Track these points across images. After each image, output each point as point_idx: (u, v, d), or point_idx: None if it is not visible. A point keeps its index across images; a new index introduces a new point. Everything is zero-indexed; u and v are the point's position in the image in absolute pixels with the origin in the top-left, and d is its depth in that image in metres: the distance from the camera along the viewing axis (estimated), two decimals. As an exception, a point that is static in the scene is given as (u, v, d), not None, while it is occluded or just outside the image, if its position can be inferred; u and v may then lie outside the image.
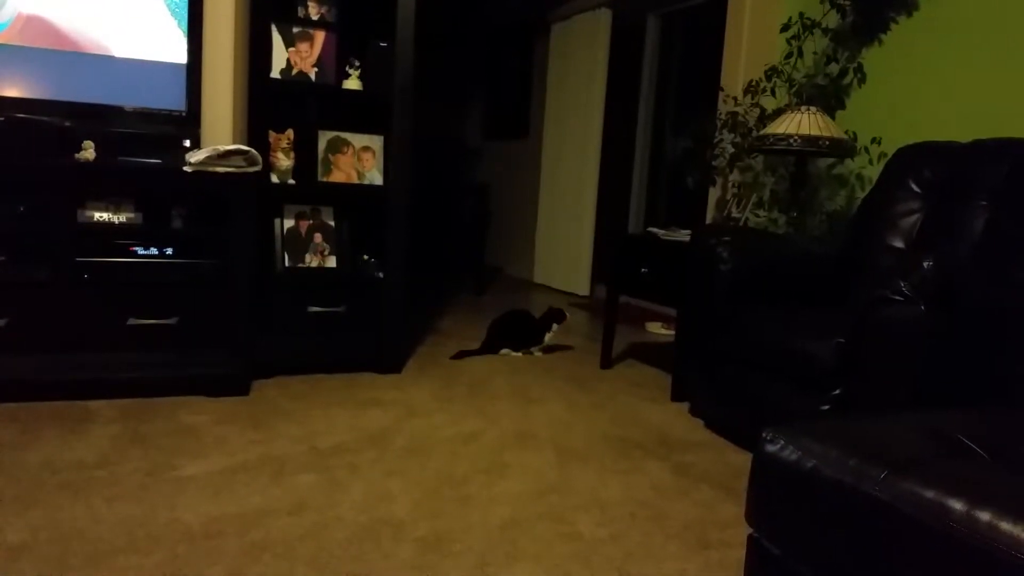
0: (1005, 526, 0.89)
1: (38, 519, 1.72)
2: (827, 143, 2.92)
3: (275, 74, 3.00)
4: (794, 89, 3.49)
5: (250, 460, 2.14)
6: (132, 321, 2.60)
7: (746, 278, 2.65)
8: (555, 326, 3.65)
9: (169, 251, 2.65)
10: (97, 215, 2.61)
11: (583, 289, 5.69)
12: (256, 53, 3.01)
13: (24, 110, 2.59)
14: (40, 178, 2.54)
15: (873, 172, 3.16)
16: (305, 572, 1.57)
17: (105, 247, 2.58)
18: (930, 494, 0.99)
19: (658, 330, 4.46)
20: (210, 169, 2.63)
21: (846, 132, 3.16)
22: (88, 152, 2.60)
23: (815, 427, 1.22)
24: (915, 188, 2.64)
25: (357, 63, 3.10)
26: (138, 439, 2.24)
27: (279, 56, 2.99)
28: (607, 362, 3.50)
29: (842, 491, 1.09)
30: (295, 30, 3.01)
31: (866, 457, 1.10)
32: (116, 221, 2.63)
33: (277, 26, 2.98)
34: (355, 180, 3.16)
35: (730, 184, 3.81)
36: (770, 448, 1.22)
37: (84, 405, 2.51)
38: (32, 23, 2.59)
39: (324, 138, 3.12)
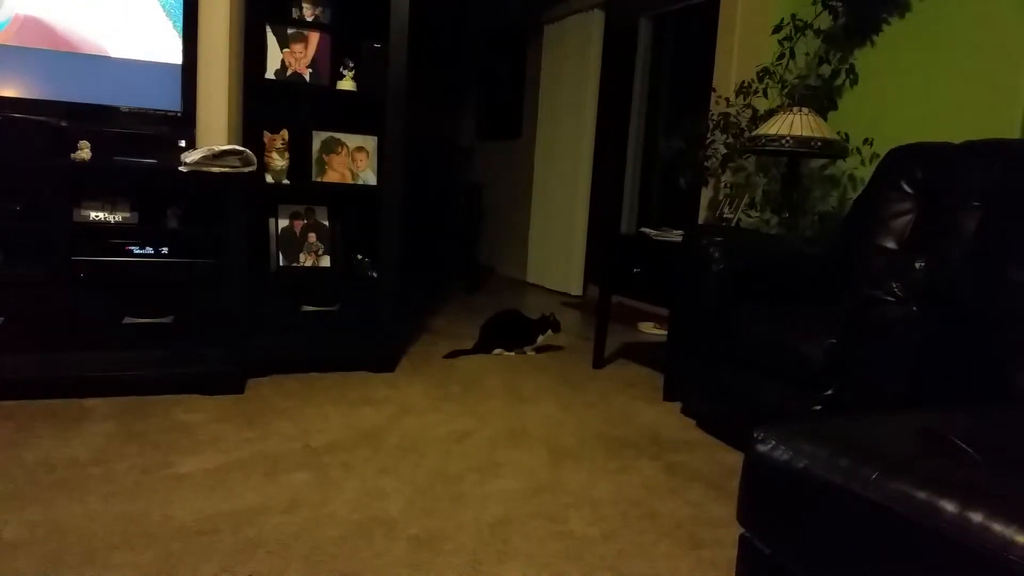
0: (996, 527, 0.89)
1: (34, 516, 1.70)
2: (819, 144, 2.92)
3: (270, 75, 2.98)
4: (786, 90, 3.49)
5: (244, 458, 2.13)
6: (128, 320, 2.58)
7: (738, 278, 2.65)
8: (549, 332, 3.66)
9: (164, 250, 2.63)
10: (93, 215, 2.59)
11: (576, 289, 5.69)
12: (251, 54, 2.99)
13: (21, 110, 2.57)
14: (36, 178, 2.52)
15: (865, 173, 3.16)
16: (298, 569, 1.56)
17: (101, 246, 2.56)
18: (922, 495, 0.98)
19: (650, 330, 4.46)
20: (205, 169, 2.62)
21: (838, 133, 3.16)
22: (84, 152, 2.58)
23: (806, 427, 1.22)
24: (907, 189, 2.64)
25: (351, 64, 3.09)
26: (133, 437, 2.23)
27: (274, 57, 2.98)
28: (600, 362, 3.49)
29: (833, 491, 1.08)
30: (289, 31, 2.99)
31: (857, 457, 1.09)
32: (112, 221, 2.62)
33: (271, 27, 2.97)
34: (349, 180, 3.15)
35: (722, 185, 3.80)
36: (761, 448, 1.22)
37: (80, 403, 2.49)
38: (29, 24, 2.57)
39: (318, 138, 3.11)
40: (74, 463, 2.01)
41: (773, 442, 1.21)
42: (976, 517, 0.91)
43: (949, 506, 0.94)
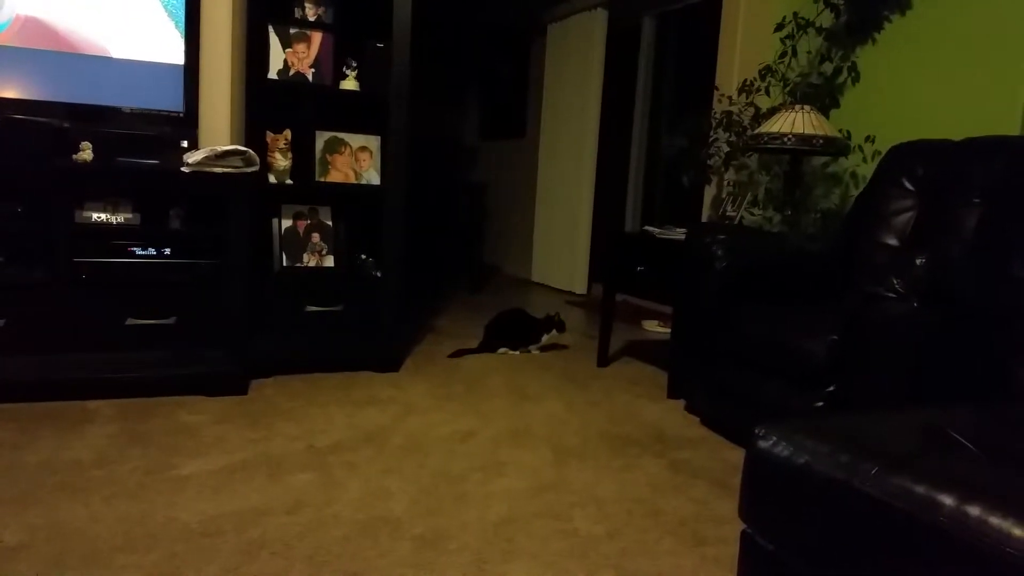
0: (994, 520, 0.90)
1: (36, 519, 1.71)
2: (821, 141, 2.93)
3: (272, 75, 3.00)
4: (788, 88, 3.49)
5: (248, 459, 2.14)
6: (130, 321, 2.60)
7: (741, 276, 2.65)
8: (554, 332, 3.66)
9: (167, 251, 2.64)
10: (95, 216, 2.61)
11: (580, 287, 5.69)
12: (253, 54, 3.00)
13: (22, 111, 2.58)
14: (38, 179, 2.53)
15: (867, 170, 3.15)
16: (303, 570, 1.57)
17: (103, 247, 2.57)
18: (920, 489, 0.99)
19: (654, 328, 4.46)
20: (208, 170, 2.63)
21: (840, 131, 3.16)
22: (86, 153, 2.59)
23: (808, 423, 1.22)
24: (908, 186, 2.64)
25: (354, 64, 3.10)
26: (136, 438, 2.24)
27: (276, 57, 2.99)
28: (604, 360, 3.50)
29: (834, 487, 1.09)
30: (292, 31, 3.00)
31: (858, 453, 1.10)
32: (114, 222, 2.63)
33: (274, 27, 2.98)
34: (352, 180, 3.16)
35: (725, 183, 3.81)
36: (763, 444, 1.22)
37: (82, 405, 2.51)
38: (30, 24, 2.58)
39: (321, 138, 3.12)
40: (77, 465, 2.02)
41: (774, 438, 1.21)
42: (974, 511, 0.92)
43: (948, 500, 0.95)
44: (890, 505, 1.00)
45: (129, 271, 2.60)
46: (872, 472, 1.05)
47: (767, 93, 3.53)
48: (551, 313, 3.70)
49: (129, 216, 2.66)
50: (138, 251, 2.61)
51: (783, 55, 3.46)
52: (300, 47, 3.01)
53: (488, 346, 3.63)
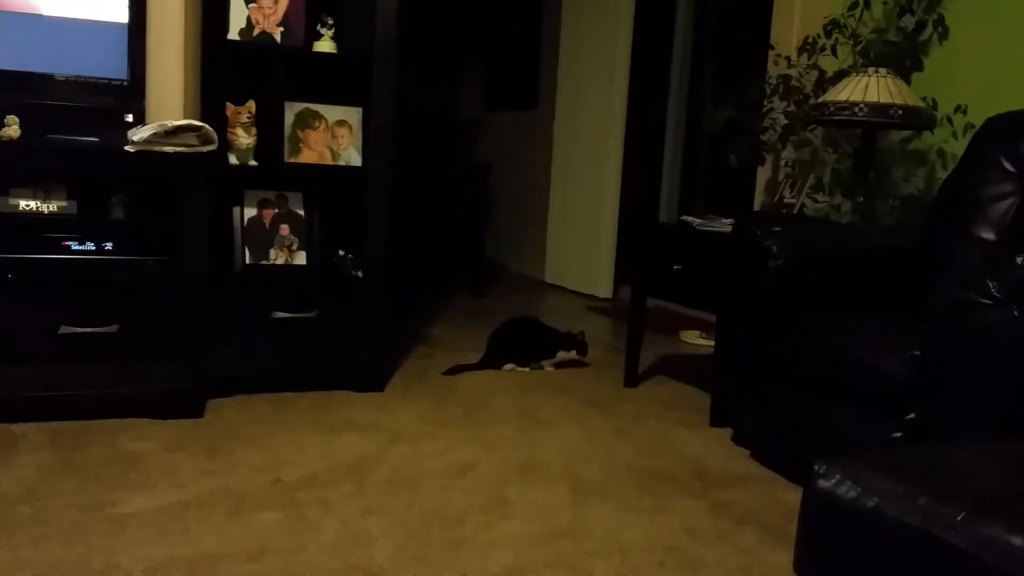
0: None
1: (-51, 567, 1.73)
2: (900, 112, 2.91)
3: (233, 35, 3.01)
4: (860, 47, 3.48)
5: (203, 494, 2.15)
6: (65, 329, 2.61)
7: (801, 277, 2.64)
8: (573, 352, 3.66)
9: (108, 246, 2.66)
10: (23, 203, 2.62)
11: (604, 291, 5.70)
12: (210, 11, 3.02)
13: (-66, 78, 2.61)
14: (-46, 159, 2.56)
15: (958, 147, 3.14)
16: (267, 631, 1.57)
17: (32, 242, 2.59)
18: (1017, 541, 0.98)
19: (694, 340, 4.46)
20: (156, 148, 2.64)
21: (923, 99, 3.15)
22: (12, 129, 2.60)
23: (878, 458, 1.22)
24: (1008, 167, 2.63)
25: (331, 21, 3.11)
26: (71, 469, 2.25)
27: (238, 14, 3.00)
28: (632, 379, 3.49)
29: (909, 536, 1.08)
30: (257, -19, 3.02)
31: (939, 495, 1.09)
32: (45, 211, 2.65)
33: (236, -23, 2.99)
34: (328, 161, 3.17)
35: (782, 163, 3.80)
36: (823, 484, 1.22)
37: (7, 428, 2.52)
38: (-56, -26, 2.60)
39: (292, 111, 3.13)
40: (0, 500, 2.04)
41: (838, 477, 1.21)
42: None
43: (1050, 554, 0.94)
44: (979, 559, 1.00)
45: (63, 269, 2.62)
46: (957, 519, 1.04)
47: (834, 53, 3.52)
48: (574, 331, 3.70)
49: (63, 204, 2.68)
50: (74, 246, 2.63)
51: (854, 6, 3.44)
52: (266, 2, 3.02)
53: (492, 361, 3.64)
